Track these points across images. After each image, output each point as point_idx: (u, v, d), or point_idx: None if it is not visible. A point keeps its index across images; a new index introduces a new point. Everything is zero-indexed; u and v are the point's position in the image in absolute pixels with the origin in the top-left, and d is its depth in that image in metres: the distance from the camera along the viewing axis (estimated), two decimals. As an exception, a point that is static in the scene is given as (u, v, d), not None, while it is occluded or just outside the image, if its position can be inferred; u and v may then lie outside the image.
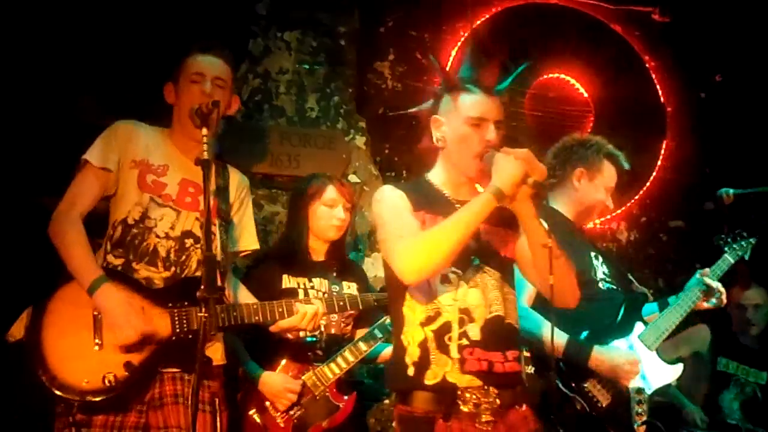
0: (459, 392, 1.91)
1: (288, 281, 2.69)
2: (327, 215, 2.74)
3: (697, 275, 2.87)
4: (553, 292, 1.93)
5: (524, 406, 2.01)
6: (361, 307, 2.52)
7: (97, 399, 2.00)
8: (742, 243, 3.00)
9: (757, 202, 3.00)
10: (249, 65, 3.66)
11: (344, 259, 2.91)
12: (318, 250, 2.80)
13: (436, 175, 2.09)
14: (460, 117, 2.00)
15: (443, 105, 2.05)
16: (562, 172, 2.87)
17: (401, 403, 1.97)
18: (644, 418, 2.62)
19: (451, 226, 1.87)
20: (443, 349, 1.92)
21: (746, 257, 3.02)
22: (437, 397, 1.91)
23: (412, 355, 1.94)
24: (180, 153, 2.28)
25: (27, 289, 2.15)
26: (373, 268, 3.59)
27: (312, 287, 2.70)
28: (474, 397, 1.91)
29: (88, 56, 3.37)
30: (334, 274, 2.77)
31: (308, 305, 2.29)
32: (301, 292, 2.67)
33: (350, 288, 2.79)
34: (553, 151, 2.97)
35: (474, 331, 1.93)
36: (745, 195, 3.00)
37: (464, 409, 1.91)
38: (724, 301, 2.86)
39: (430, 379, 1.92)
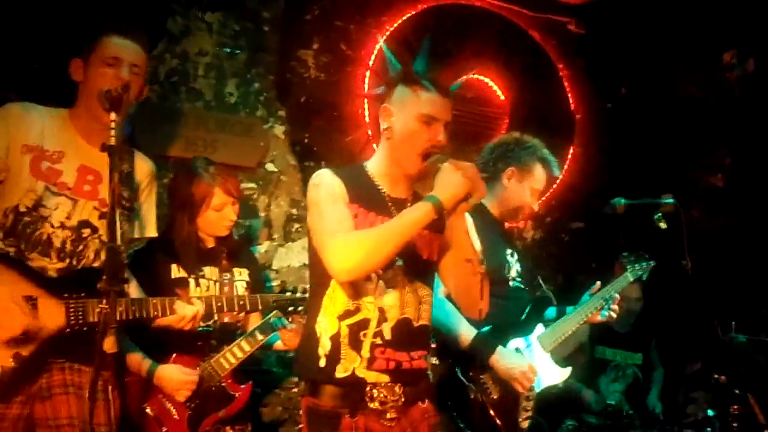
0: (367, 389, 1.95)
1: (178, 270, 2.62)
2: (217, 219, 2.67)
3: (589, 293, 3.02)
4: (464, 305, 2.09)
5: (426, 402, 2.07)
6: (248, 309, 2.48)
7: None
8: (643, 264, 3.20)
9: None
10: (167, 44, 3.52)
11: (233, 243, 2.80)
12: (206, 239, 2.72)
13: (375, 166, 2.07)
14: (413, 112, 1.97)
15: (396, 95, 2.01)
16: (494, 169, 2.90)
17: (310, 395, 1.98)
18: (529, 414, 2.77)
19: (388, 232, 1.89)
20: (355, 345, 1.96)
21: (644, 278, 3.21)
22: (345, 393, 1.95)
23: (324, 346, 1.96)
24: (80, 138, 2.18)
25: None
26: (286, 257, 3.60)
27: (203, 276, 2.64)
28: (381, 395, 1.95)
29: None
30: (224, 261, 2.72)
31: (188, 307, 2.25)
32: (192, 281, 2.61)
33: (242, 275, 2.74)
34: (489, 147, 2.99)
35: (387, 331, 1.98)
36: (635, 205, 3.20)
37: (371, 405, 1.95)
38: (614, 316, 3.01)
39: (340, 372, 1.94)
